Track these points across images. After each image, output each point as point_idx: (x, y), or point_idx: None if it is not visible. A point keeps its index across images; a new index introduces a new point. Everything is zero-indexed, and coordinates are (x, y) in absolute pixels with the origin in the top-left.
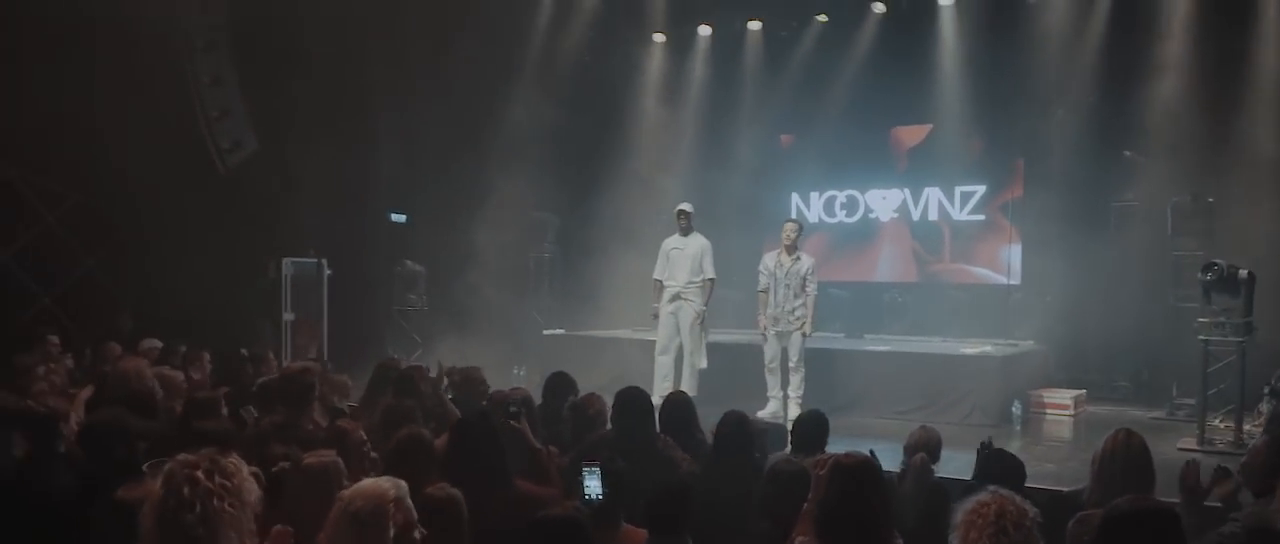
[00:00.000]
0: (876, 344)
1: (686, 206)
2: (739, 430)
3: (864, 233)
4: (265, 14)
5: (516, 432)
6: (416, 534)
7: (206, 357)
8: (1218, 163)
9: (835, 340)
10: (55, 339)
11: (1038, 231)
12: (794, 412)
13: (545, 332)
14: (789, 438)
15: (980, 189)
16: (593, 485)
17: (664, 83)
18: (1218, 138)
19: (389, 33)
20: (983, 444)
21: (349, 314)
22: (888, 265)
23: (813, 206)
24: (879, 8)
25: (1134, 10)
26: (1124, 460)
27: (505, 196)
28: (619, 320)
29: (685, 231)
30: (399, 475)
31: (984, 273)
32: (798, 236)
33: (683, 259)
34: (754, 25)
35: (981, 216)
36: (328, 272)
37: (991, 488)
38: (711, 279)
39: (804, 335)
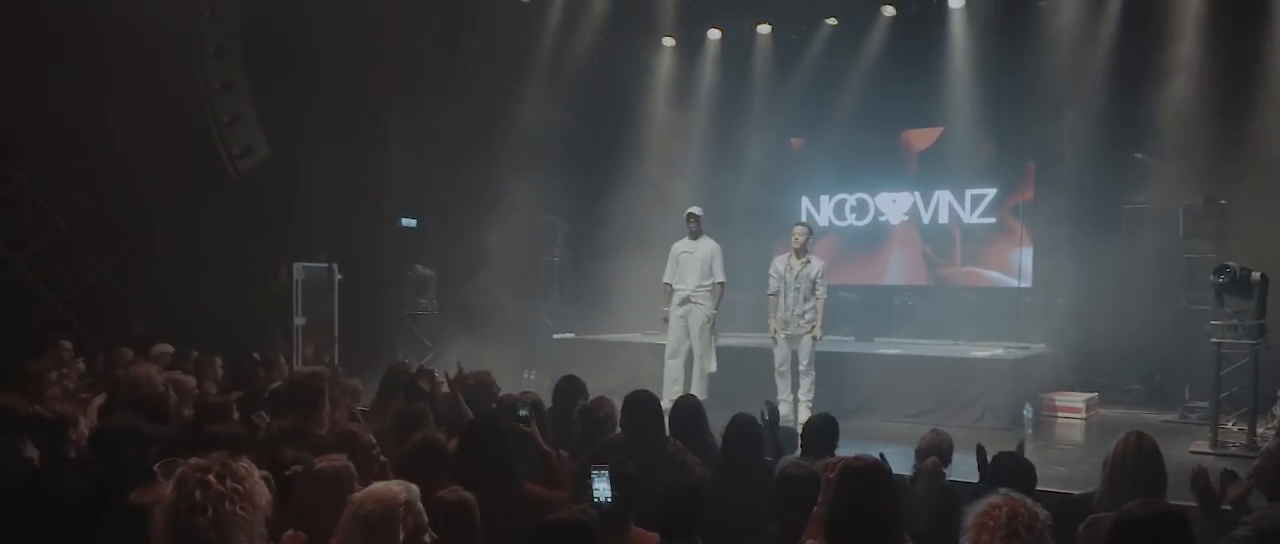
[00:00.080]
0: (887, 347)
1: (696, 210)
2: (748, 434)
3: (874, 236)
4: (276, 19)
5: (526, 435)
6: (427, 538)
7: (218, 361)
8: (1230, 165)
9: (845, 344)
10: (67, 344)
11: (1049, 234)
12: (804, 415)
13: (555, 335)
14: (799, 441)
15: (991, 192)
16: (601, 488)
17: (674, 86)
18: (1230, 140)
19: (399, 38)
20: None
21: (360, 319)
22: (898, 268)
23: (823, 210)
24: (889, 11)
25: (1145, 12)
26: (1135, 463)
27: (515, 201)
28: (629, 324)
29: (695, 235)
30: (413, 478)
31: (995, 276)
32: (807, 240)
33: (692, 263)
34: (763, 29)
35: (992, 219)
36: (339, 276)
37: (1002, 491)
38: (721, 283)
39: (814, 339)
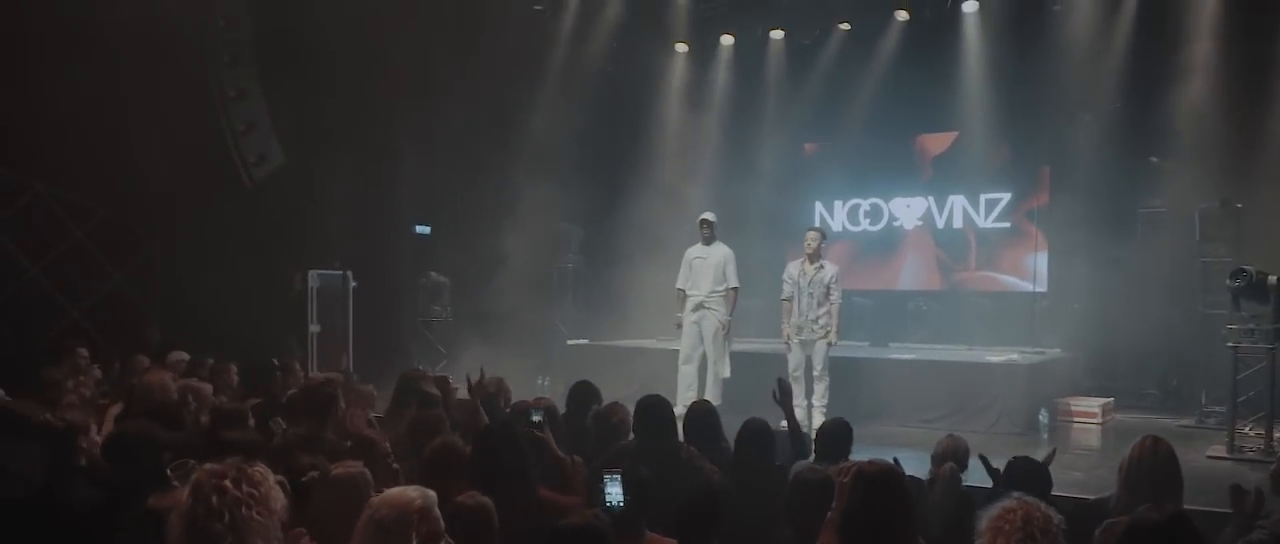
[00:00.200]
0: (901, 352)
1: (709, 215)
2: (761, 438)
3: (888, 241)
4: (290, 28)
5: (540, 440)
6: None
7: (233, 369)
8: (1245, 168)
9: (860, 349)
10: (84, 352)
11: (1064, 238)
12: (818, 420)
13: (569, 342)
14: (813, 446)
15: (1006, 196)
16: (614, 493)
17: (687, 92)
18: (1245, 143)
19: (413, 45)
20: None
21: (374, 325)
22: (911, 273)
23: (836, 215)
24: (902, 16)
25: (1159, 16)
26: (1151, 468)
27: (529, 207)
28: (643, 330)
29: (708, 241)
30: (431, 484)
31: (1010, 280)
32: (820, 245)
33: (706, 268)
34: (776, 34)
35: (1007, 224)
36: (353, 283)
37: (1016, 495)
38: (735, 288)
39: (829, 344)
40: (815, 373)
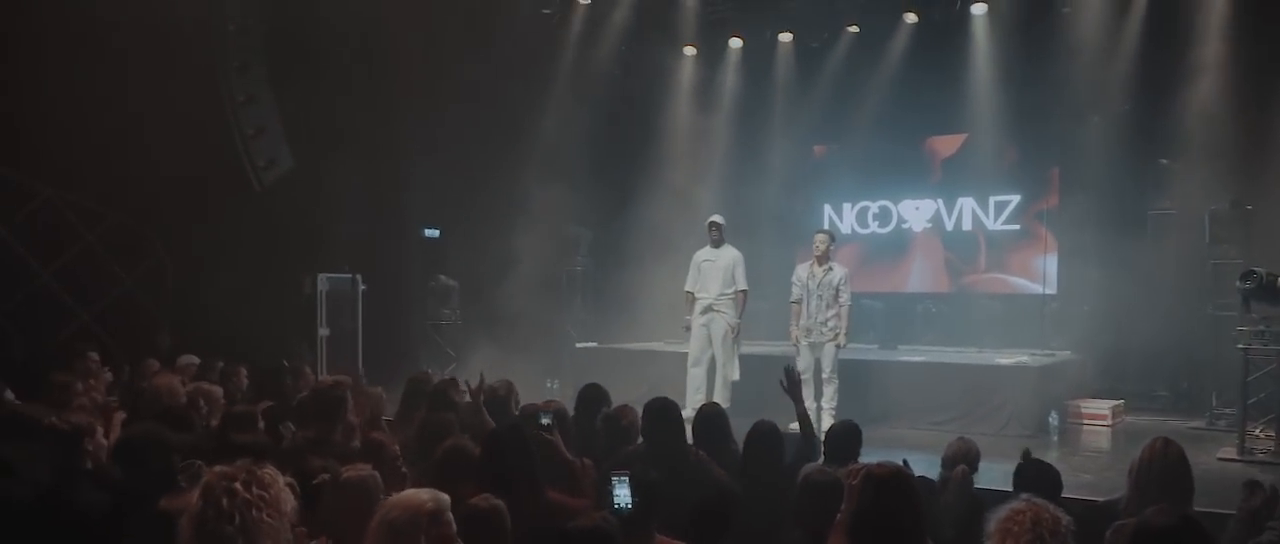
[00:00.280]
0: (910, 355)
1: (718, 218)
2: (769, 440)
3: (897, 244)
4: (300, 33)
5: (549, 443)
6: None
7: (243, 372)
8: (1255, 169)
9: (869, 351)
10: (95, 356)
11: (1074, 240)
12: (827, 422)
13: (578, 345)
14: (822, 448)
15: (1015, 198)
16: (622, 495)
17: (696, 95)
18: (1255, 144)
19: (422, 49)
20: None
21: (383, 329)
22: (920, 276)
23: (845, 217)
24: (911, 18)
25: (1169, 17)
26: (1162, 470)
27: (538, 210)
28: (652, 333)
29: (717, 243)
30: (442, 486)
31: (1020, 282)
32: (828, 247)
33: (714, 271)
34: (785, 37)
35: (1017, 226)
36: (362, 287)
37: (1026, 496)
38: (744, 291)
39: (838, 346)
40: (824, 375)
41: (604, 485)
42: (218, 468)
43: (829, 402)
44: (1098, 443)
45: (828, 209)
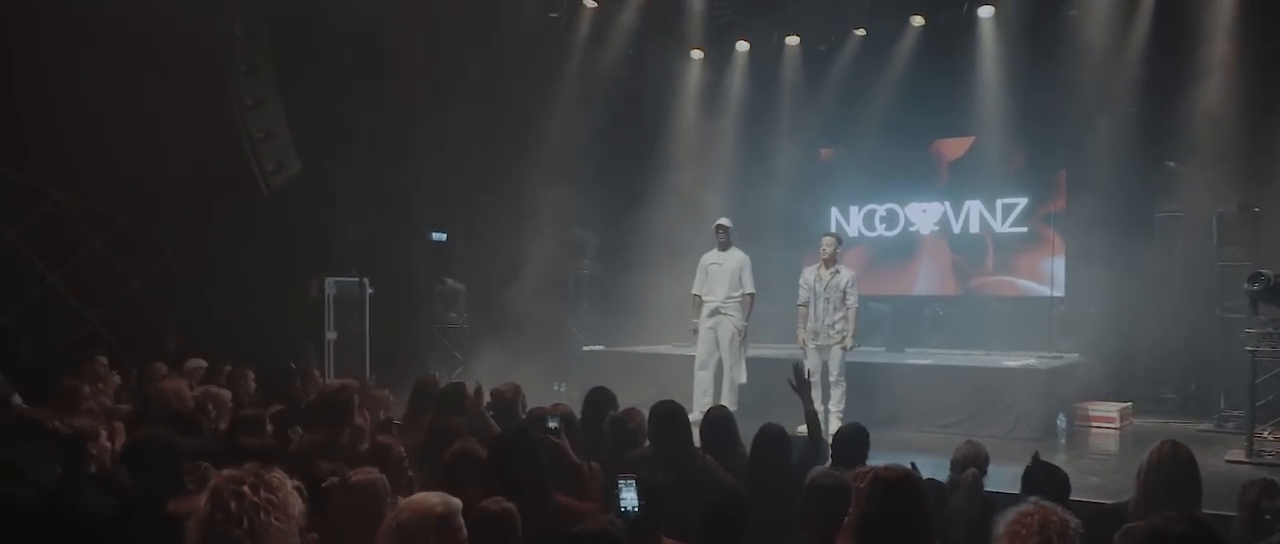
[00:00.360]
0: (918, 357)
1: (725, 221)
2: (776, 443)
3: (904, 246)
4: (307, 37)
5: (556, 446)
6: None
7: (251, 375)
8: (1263, 171)
9: (876, 354)
10: (103, 359)
11: (1081, 243)
12: (834, 425)
13: (585, 348)
14: (829, 451)
15: (1022, 201)
16: (628, 498)
17: (703, 98)
18: (1262, 146)
19: (429, 54)
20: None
21: (391, 332)
22: (927, 279)
23: (852, 220)
24: (918, 21)
25: (1177, 19)
26: (1170, 472)
27: (545, 213)
28: (659, 336)
29: (724, 246)
30: (451, 489)
31: (1027, 285)
32: (835, 250)
33: (721, 274)
34: (792, 40)
35: (1024, 229)
36: (370, 290)
37: (1033, 499)
38: (751, 294)
39: (845, 349)
40: (831, 378)
41: (611, 489)
42: (226, 471)
43: (836, 404)
44: (1106, 445)
45: (835, 212)
